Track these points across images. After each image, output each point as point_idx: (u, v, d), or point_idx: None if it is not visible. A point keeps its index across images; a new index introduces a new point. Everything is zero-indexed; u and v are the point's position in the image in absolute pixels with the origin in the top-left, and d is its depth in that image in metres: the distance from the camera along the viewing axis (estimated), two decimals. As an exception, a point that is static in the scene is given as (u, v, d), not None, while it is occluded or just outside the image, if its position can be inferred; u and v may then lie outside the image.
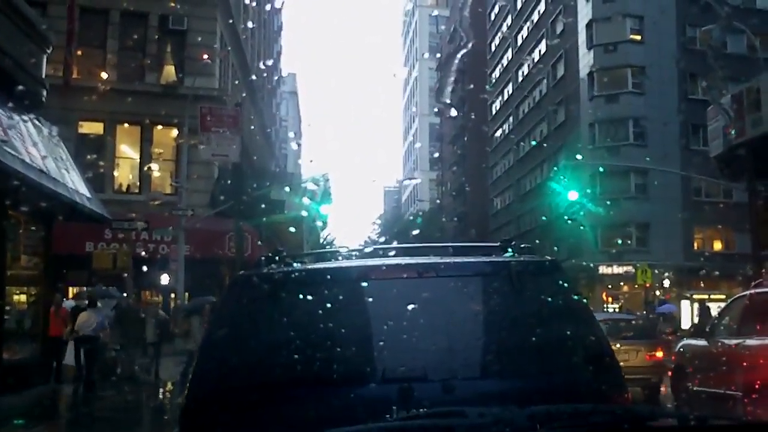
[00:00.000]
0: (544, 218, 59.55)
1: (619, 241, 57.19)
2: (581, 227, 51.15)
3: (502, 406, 3.47)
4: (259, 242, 36.81)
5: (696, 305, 47.73)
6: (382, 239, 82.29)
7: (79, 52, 32.95)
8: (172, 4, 36.22)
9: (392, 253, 6.36)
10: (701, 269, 51.79)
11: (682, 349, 16.66)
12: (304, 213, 43.19)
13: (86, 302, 24.47)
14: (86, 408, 20.79)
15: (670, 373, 16.02)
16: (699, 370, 14.57)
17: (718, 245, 59.56)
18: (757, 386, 11.41)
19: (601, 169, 53.46)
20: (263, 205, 36.10)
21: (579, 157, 47.79)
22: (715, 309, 26.28)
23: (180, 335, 25.12)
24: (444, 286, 5.02)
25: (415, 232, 72.15)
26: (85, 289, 31.12)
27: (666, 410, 8.18)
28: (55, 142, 20.20)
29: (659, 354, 19.40)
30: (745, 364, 12.28)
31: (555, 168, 47.84)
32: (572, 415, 3.35)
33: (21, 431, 13.39)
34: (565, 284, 5.21)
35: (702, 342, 15.08)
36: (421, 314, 4.80)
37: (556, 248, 54.35)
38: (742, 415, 10.98)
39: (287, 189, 38.23)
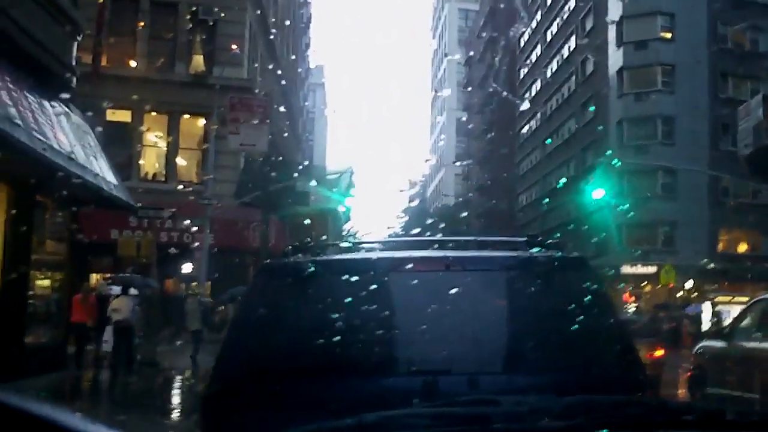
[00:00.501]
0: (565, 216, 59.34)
1: (645, 241, 56.92)
2: (607, 225, 50.98)
3: (538, 396, 3.47)
4: (283, 233, 36.90)
5: (713, 307, 47.42)
6: (406, 232, 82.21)
7: (110, 40, 33.06)
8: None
9: (419, 245, 6.32)
10: (726, 271, 51.50)
11: (701, 351, 16.65)
12: (328, 205, 43.20)
13: (112, 289, 24.74)
14: (108, 393, 20.95)
15: (689, 374, 15.97)
16: (717, 372, 14.56)
17: (743, 247, 59.16)
18: None
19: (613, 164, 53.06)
20: (288, 197, 36.10)
21: (614, 161, 47.33)
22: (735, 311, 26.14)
23: (217, 324, 25.44)
24: (471, 280, 5.02)
25: (440, 225, 72.00)
26: (110, 276, 31.47)
27: (700, 405, 8.12)
28: (84, 129, 20.31)
29: (659, 353, 19.35)
30: (763, 366, 12.32)
31: (585, 166, 47.55)
32: (609, 406, 3.36)
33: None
34: (592, 280, 5.20)
35: (721, 344, 15.07)
36: (447, 307, 4.82)
37: (578, 246, 54.20)
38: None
39: (313, 182, 38.17)
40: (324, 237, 41.40)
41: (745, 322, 14.82)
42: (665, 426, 3.16)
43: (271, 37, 48.06)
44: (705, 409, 4.03)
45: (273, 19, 48.84)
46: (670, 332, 35.60)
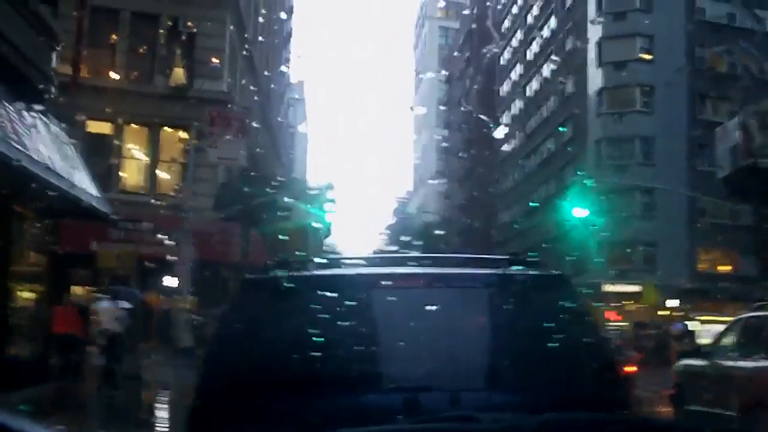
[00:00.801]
0: (544, 235, 59.43)
1: (625, 260, 57.14)
2: (586, 243, 51.14)
3: (515, 413, 3.45)
4: (263, 247, 36.83)
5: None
6: (389, 249, 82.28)
7: (89, 52, 32.95)
8: (177, 7, 36.32)
9: (400, 262, 6.30)
10: (706, 291, 51.73)
11: (681, 368, 16.86)
12: (309, 221, 43.23)
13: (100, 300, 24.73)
14: (87, 405, 20.80)
15: (670, 393, 16.13)
16: (696, 390, 14.73)
17: (723, 267, 59.46)
18: (750, 408, 11.64)
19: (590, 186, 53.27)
20: (268, 211, 36.09)
21: (587, 181, 47.66)
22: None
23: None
24: (452, 297, 5.03)
25: (422, 242, 72.10)
26: (98, 288, 31.46)
27: (676, 423, 8.18)
28: (63, 140, 20.18)
29: (631, 369, 19.41)
30: (740, 385, 12.55)
31: (563, 185, 47.80)
32: (585, 423, 3.33)
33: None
34: (573, 298, 5.21)
35: (701, 362, 15.22)
36: (428, 324, 4.85)
37: (558, 264, 54.24)
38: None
39: (293, 196, 38.21)
40: (297, 252, 41.36)
41: (725, 340, 15.06)
42: None
43: (251, 50, 48.03)
44: (682, 427, 4.03)
45: (253, 33, 48.81)
46: (654, 350, 35.90)
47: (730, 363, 13.55)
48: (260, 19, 52.21)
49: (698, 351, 16.59)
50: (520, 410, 3.75)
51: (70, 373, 22.68)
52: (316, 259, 6.09)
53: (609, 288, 57.39)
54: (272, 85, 63.66)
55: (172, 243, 33.41)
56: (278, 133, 70.63)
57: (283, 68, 75.24)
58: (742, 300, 38.28)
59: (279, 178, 49.21)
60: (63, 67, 23.59)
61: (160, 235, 33.47)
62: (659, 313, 50.03)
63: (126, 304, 24.77)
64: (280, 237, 39.01)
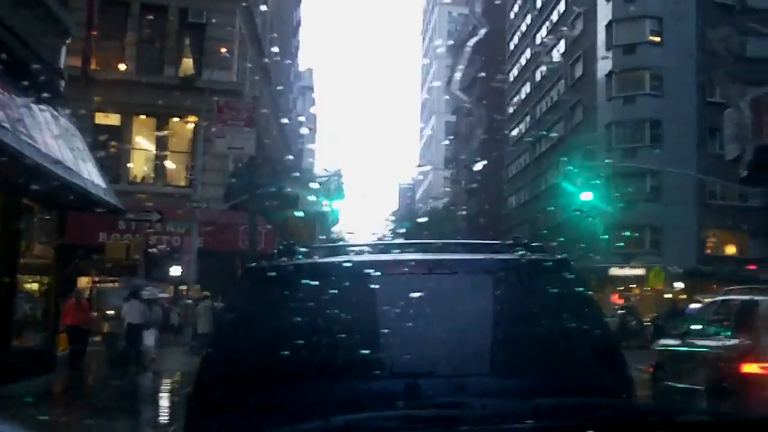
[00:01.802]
0: (553, 218, 59.34)
1: (633, 243, 56.99)
2: (594, 227, 51.02)
3: (506, 399, 3.49)
4: (272, 235, 36.94)
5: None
6: (395, 235, 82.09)
7: (98, 44, 33.02)
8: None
9: (404, 249, 6.34)
10: (713, 273, 51.61)
11: (660, 348, 17.75)
12: (318, 208, 43.25)
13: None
14: (94, 396, 20.92)
15: (651, 369, 16.85)
16: (672, 367, 15.80)
17: (731, 249, 59.33)
18: (716, 382, 12.80)
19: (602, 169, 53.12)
20: (277, 200, 36.14)
21: (570, 168, 47.60)
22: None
23: None
24: (454, 283, 5.06)
25: (428, 229, 71.90)
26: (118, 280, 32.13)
27: (670, 407, 8.25)
28: (72, 132, 20.26)
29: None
30: (708, 363, 13.66)
31: (569, 168, 47.56)
32: (576, 408, 3.38)
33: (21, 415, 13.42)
34: (575, 282, 5.24)
35: (677, 342, 16.18)
36: (431, 310, 4.85)
37: (567, 248, 54.20)
38: (742, 410, 11.80)
39: (302, 185, 38.26)
40: (315, 240, 41.49)
41: (697, 322, 16.15)
42: (631, 428, 3.20)
43: (260, 40, 48.04)
44: (673, 410, 4.08)
45: (262, 23, 48.80)
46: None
47: (700, 342, 14.57)
48: (268, 9, 52.19)
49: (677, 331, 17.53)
50: (522, 395, 3.80)
51: (78, 362, 22.96)
52: (321, 246, 6.11)
53: (616, 272, 57.33)
54: (284, 74, 63.68)
55: (181, 233, 33.59)
56: (287, 121, 70.65)
57: (292, 57, 75.19)
58: (747, 282, 38.38)
59: (288, 167, 49.31)
60: (73, 59, 23.68)
61: (169, 226, 33.62)
62: (666, 296, 49.82)
63: (149, 293, 25.93)
64: (290, 225, 39.08)
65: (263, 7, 49.44)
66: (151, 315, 26.28)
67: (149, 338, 25.92)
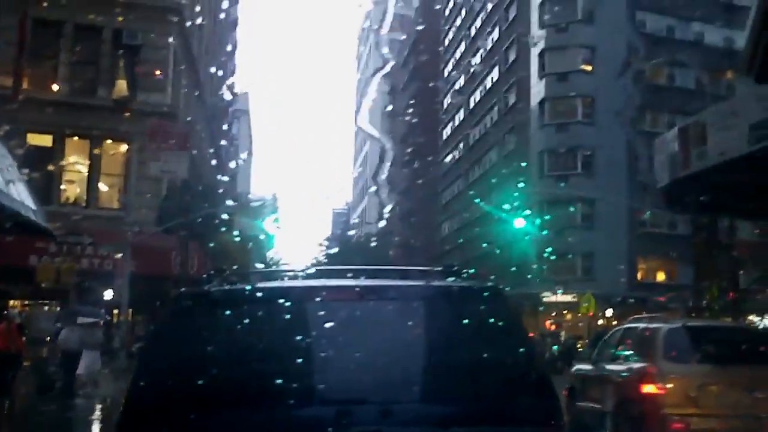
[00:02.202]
0: (486, 245, 59.59)
1: (565, 270, 57.50)
2: (527, 254, 51.46)
3: (426, 427, 3.50)
4: (205, 260, 36.70)
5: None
6: (329, 260, 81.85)
7: (30, 64, 32.62)
8: (121, 19, 35.96)
9: (336, 274, 6.36)
10: (645, 299, 52.27)
11: (574, 372, 18.84)
12: (251, 233, 43.07)
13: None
14: (24, 424, 20.60)
15: (565, 393, 17.45)
16: (584, 390, 16.83)
17: (661, 276, 60.21)
18: (620, 403, 13.99)
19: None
20: (211, 224, 35.90)
21: (527, 193, 48.20)
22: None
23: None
24: (386, 309, 5.06)
25: (361, 255, 71.79)
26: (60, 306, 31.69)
27: None
28: (2, 153, 19.96)
29: None
30: (614, 385, 14.70)
31: (502, 195, 47.99)
32: None
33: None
34: (506, 310, 5.25)
35: (588, 366, 17.29)
36: (362, 336, 4.87)
37: (500, 274, 54.52)
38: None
39: (236, 209, 38.07)
40: (249, 264, 41.27)
41: (606, 347, 16.85)
42: None
43: (195, 63, 47.80)
44: None
45: (197, 46, 48.57)
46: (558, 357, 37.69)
47: (608, 367, 15.50)
48: (204, 32, 51.99)
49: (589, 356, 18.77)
50: (451, 423, 3.82)
51: (7, 389, 22.52)
52: (252, 272, 6.09)
53: (550, 298, 57.85)
54: (216, 97, 63.38)
55: (114, 257, 33.17)
56: (222, 145, 70.26)
57: (228, 81, 74.89)
58: (676, 309, 39.06)
59: (223, 191, 49.05)
60: (5, 79, 23.40)
61: (100, 250, 33.20)
62: (599, 323, 50.44)
63: (86, 320, 25.50)
64: (224, 249, 38.85)
65: (199, 30, 49.25)
66: (93, 338, 25.83)
67: (93, 361, 25.53)
